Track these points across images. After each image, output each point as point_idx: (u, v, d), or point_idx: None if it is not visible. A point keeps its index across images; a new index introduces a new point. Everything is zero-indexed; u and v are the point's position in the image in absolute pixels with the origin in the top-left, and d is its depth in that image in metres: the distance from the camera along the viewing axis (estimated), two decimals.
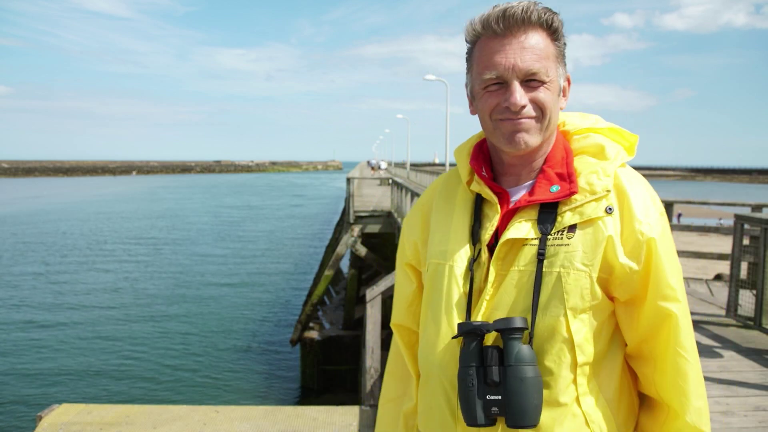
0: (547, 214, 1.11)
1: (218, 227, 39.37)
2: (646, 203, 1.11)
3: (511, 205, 1.16)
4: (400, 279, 1.36)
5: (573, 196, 1.10)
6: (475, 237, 1.17)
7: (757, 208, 7.96)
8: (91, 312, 17.56)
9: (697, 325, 5.60)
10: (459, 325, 1.09)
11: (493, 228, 1.15)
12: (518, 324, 1.04)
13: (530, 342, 1.07)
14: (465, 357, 1.08)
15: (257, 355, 14.22)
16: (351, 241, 13.81)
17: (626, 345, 1.16)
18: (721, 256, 8.10)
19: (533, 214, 1.12)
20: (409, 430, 1.35)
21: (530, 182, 1.17)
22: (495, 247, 1.13)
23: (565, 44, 1.15)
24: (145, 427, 4.07)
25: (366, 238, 14.12)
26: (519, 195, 1.17)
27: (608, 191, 1.10)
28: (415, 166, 53.00)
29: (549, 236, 1.10)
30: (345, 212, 19.64)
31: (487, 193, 1.17)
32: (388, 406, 1.40)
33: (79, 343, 14.79)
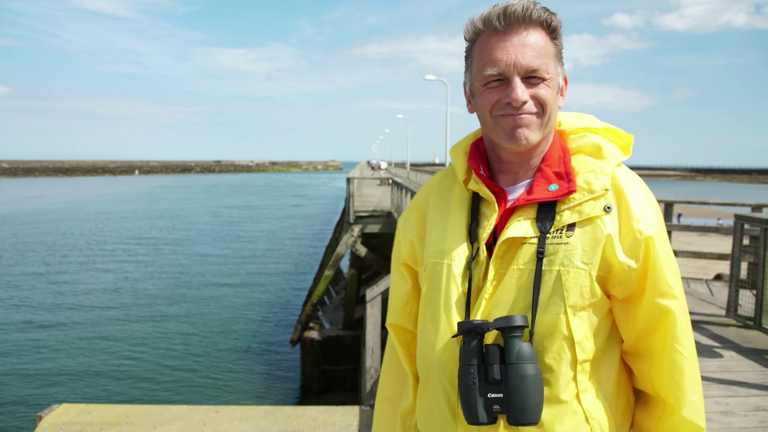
0: (546, 212, 1.12)
1: (218, 227, 39.38)
2: (644, 202, 1.13)
3: (509, 204, 1.16)
4: (396, 279, 1.36)
5: (571, 195, 1.11)
6: (472, 236, 1.17)
7: (757, 208, 7.96)
8: (91, 312, 17.56)
9: (697, 325, 5.60)
10: (459, 323, 1.09)
11: (492, 226, 1.15)
12: (519, 322, 1.05)
13: (530, 340, 1.08)
14: (465, 356, 1.08)
15: (257, 355, 14.22)
16: (351, 241, 13.81)
17: (623, 342, 1.17)
18: (721, 256, 8.11)
19: (532, 212, 1.13)
20: (407, 429, 1.35)
21: (528, 181, 1.18)
22: (493, 245, 1.14)
23: (562, 45, 1.16)
24: (145, 427, 4.07)
25: (366, 238, 14.12)
26: (516, 194, 1.17)
27: (606, 190, 1.11)
28: (415, 166, 53.01)
29: (548, 235, 1.11)
30: (345, 212, 19.64)
31: (485, 191, 1.17)
32: (384, 406, 1.40)
33: (79, 343, 14.79)
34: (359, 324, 12.79)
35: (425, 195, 1.31)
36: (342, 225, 20.99)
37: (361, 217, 14.29)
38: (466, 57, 1.19)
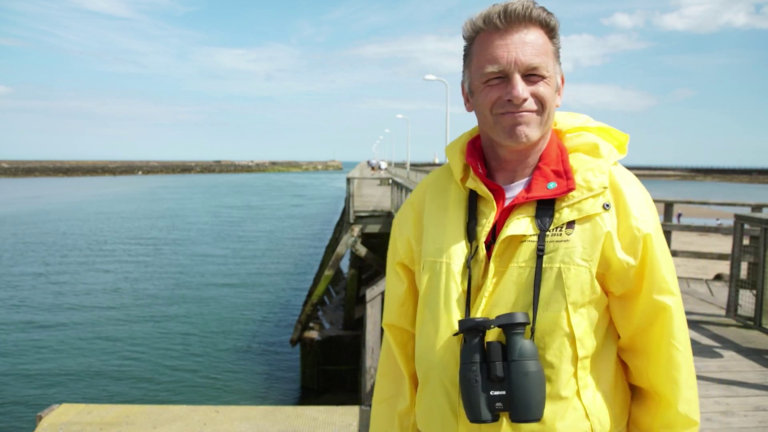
0: (545, 210, 1.13)
1: (218, 227, 39.37)
2: (641, 200, 1.14)
3: (507, 202, 1.17)
4: (392, 279, 1.36)
5: (571, 193, 1.12)
6: (471, 234, 1.17)
7: (757, 208, 7.96)
8: (91, 312, 17.56)
9: (697, 325, 5.60)
10: (460, 321, 1.10)
11: (491, 224, 1.15)
12: (520, 319, 1.06)
13: (532, 337, 1.09)
14: (467, 353, 1.08)
15: (257, 355, 14.22)
16: (351, 241, 13.81)
17: (619, 338, 1.19)
18: (721, 256, 8.11)
19: (531, 210, 1.14)
20: (404, 430, 1.35)
21: (525, 179, 1.18)
22: (492, 244, 1.15)
23: (560, 45, 1.18)
24: (145, 427, 4.07)
25: (366, 238, 14.11)
26: (514, 192, 1.18)
27: (605, 188, 1.12)
28: (415, 166, 53.01)
29: (547, 232, 1.11)
30: (345, 212, 19.64)
31: (483, 189, 1.17)
32: (381, 406, 1.40)
33: (79, 343, 14.79)
34: (359, 324, 12.78)
35: (421, 194, 1.31)
36: (342, 225, 20.99)
37: (361, 217, 14.29)
38: (464, 55, 1.20)
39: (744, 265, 6.22)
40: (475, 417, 1.06)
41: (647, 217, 1.13)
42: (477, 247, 1.16)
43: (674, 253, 8.42)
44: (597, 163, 1.15)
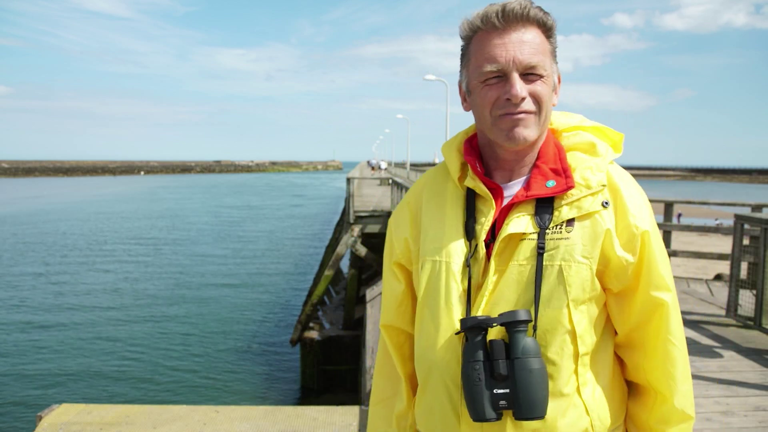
0: (544, 208, 1.13)
1: (218, 227, 39.37)
2: (638, 198, 1.16)
3: (506, 201, 1.17)
4: (389, 279, 1.35)
5: (570, 191, 1.13)
6: (469, 233, 1.17)
7: (757, 208, 7.96)
8: (91, 312, 17.56)
9: (697, 325, 5.60)
10: (462, 320, 1.10)
11: (490, 223, 1.16)
12: (523, 317, 1.06)
13: (534, 334, 1.09)
14: (469, 352, 1.08)
15: (257, 356, 14.22)
16: (351, 241, 13.80)
17: (616, 334, 1.20)
18: (721, 256, 8.11)
19: (530, 208, 1.14)
20: (402, 431, 1.35)
21: (524, 178, 1.19)
22: (491, 242, 1.15)
23: (556, 44, 1.18)
24: (145, 426, 4.07)
25: (366, 238, 14.10)
26: (512, 190, 1.18)
27: (604, 186, 1.14)
28: (415, 166, 52.98)
29: (547, 230, 1.12)
30: (345, 212, 19.64)
31: (482, 188, 1.18)
32: (378, 408, 1.40)
33: (79, 343, 14.79)
34: (359, 324, 12.78)
35: (417, 193, 1.31)
36: (342, 225, 20.99)
37: (361, 217, 14.28)
38: (461, 55, 1.21)
39: (744, 265, 6.22)
40: (478, 416, 1.06)
41: (645, 215, 1.14)
42: (476, 245, 1.16)
43: (674, 253, 8.42)
44: (595, 161, 1.16)
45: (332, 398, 11.40)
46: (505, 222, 1.14)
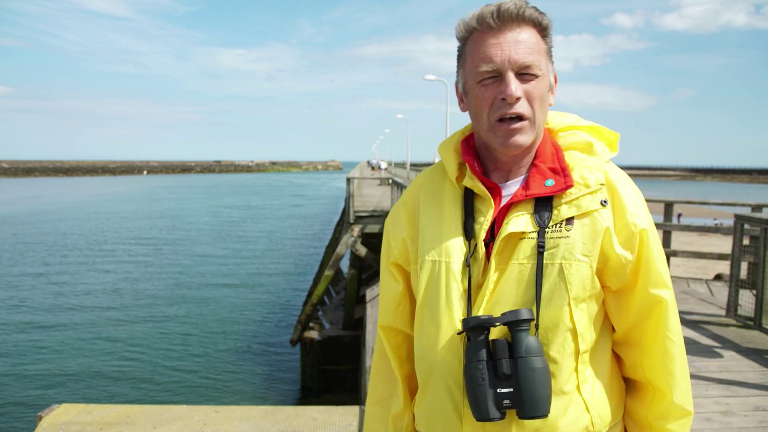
0: (543, 207, 1.14)
1: (218, 227, 39.36)
2: (635, 197, 1.16)
3: (505, 200, 1.18)
4: (387, 279, 1.35)
5: (568, 190, 1.14)
6: (468, 232, 1.18)
7: (757, 208, 7.95)
8: (91, 312, 17.56)
9: (697, 325, 5.60)
10: (465, 320, 1.10)
11: (489, 222, 1.16)
12: (526, 316, 1.06)
13: (536, 333, 1.10)
14: (472, 352, 1.08)
15: (257, 356, 14.22)
16: (351, 241, 13.80)
17: (614, 331, 1.20)
18: (721, 256, 8.10)
19: (529, 207, 1.15)
20: None
21: (521, 177, 1.19)
22: (490, 242, 1.15)
23: (552, 44, 1.19)
24: (145, 426, 4.06)
25: (366, 238, 14.10)
26: (510, 190, 1.19)
27: (602, 185, 1.14)
28: (415, 166, 52.96)
29: (547, 229, 1.12)
30: (345, 212, 19.63)
31: (480, 188, 1.18)
32: (375, 408, 1.40)
33: (79, 343, 14.78)
34: (359, 324, 12.78)
35: (414, 193, 1.31)
36: (342, 225, 20.99)
37: (361, 217, 14.28)
38: (458, 56, 1.21)
39: (744, 265, 6.22)
40: (482, 415, 1.06)
41: (642, 214, 1.15)
42: (475, 245, 1.16)
43: (674, 253, 8.41)
44: (592, 160, 1.17)
45: (332, 398, 11.40)
46: (505, 221, 1.14)
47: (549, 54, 1.17)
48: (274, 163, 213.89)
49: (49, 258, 26.55)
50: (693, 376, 4.14)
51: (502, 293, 1.12)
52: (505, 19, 1.12)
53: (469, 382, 1.08)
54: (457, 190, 1.23)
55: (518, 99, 1.11)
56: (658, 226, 7.99)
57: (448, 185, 1.25)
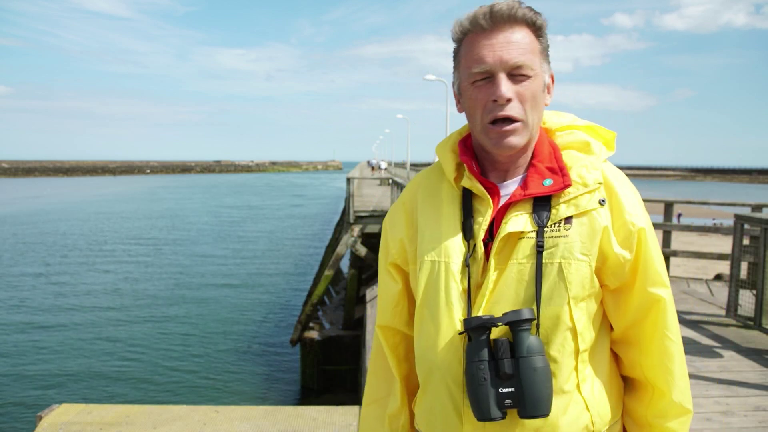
0: (542, 207, 1.14)
1: (218, 227, 39.36)
2: (633, 196, 1.17)
3: (503, 200, 1.18)
4: (385, 280, 1.35)
5: (567, 189, 1.14)
6: (467, 232, 1.18)
7: (757, 208, 7.95)
8: (91, 312, 17.56)
9: (697, 325, 5.60)
10: (466, 320, 1.10)
11: (487, 222, 1.16)
12: (527, 315, 1.07)
13: (537, 332, 1.10)
14: (473, 352, 1.08)
15: (257, 356, 14.22)
16: (351, 241, 13.80)
17: (612, 330, 1.21)
18: (721, 256, 8.10)
19: (528, 207, 1.15)
20: (394, 431, 1.34)
21: (519, 177, 1.20)
22: (489, 241, 1.16)
23: (548, 44, 1.18)
24: (145, 426, 4.06)
25: (366, 238, 14.10)
26: (508, 189, 1.19)
27: (600, 184, 1.15)
28: (415, 166, 52.97)
29: (546, 228, 1.13)
30: (345, 212, 19.63)
31: (479, 188, 1.18)
32: (371, 408, 1.40)
33: (79, 343, 14.78)
34: (359, 324, 12.78)
35: (412, 193, 1.31)
36: (342, 225, 20.98)
37: (361, 217, 14.28)
38: (454, 57, 1.21)
39: (744, 265, 6.22)
40: (483, 415, 1.06)
41: (640, 213, 1.15)
42: (475, 245, 1.16)
43: (674, 253, 8.41)
44: (590, 159, 1.17)
45: (332, 398, 11.39)
46: (504, 221, 1.14)
47: (544, 54, 1.17)
48: (274, 163, 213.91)
49: (49, 258, 26.55)
50: (693, 376, 4.14)
51: (501, 293, 1.12)
52: (497, 20, 1.12)
53: (470, 381, 1.08)
54: (456, 190, 1.23)
55: (509, 100, 1.11)
56: (658, 226, 7.99)
57: (446, 185, 1.25)
